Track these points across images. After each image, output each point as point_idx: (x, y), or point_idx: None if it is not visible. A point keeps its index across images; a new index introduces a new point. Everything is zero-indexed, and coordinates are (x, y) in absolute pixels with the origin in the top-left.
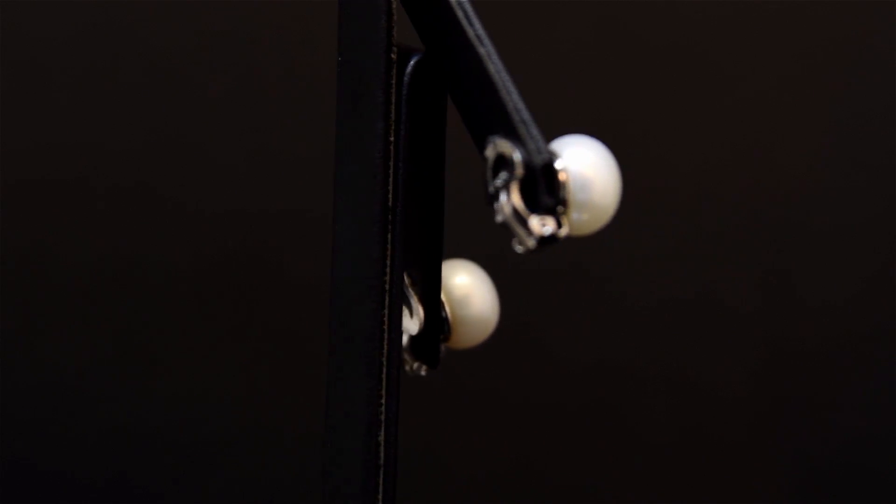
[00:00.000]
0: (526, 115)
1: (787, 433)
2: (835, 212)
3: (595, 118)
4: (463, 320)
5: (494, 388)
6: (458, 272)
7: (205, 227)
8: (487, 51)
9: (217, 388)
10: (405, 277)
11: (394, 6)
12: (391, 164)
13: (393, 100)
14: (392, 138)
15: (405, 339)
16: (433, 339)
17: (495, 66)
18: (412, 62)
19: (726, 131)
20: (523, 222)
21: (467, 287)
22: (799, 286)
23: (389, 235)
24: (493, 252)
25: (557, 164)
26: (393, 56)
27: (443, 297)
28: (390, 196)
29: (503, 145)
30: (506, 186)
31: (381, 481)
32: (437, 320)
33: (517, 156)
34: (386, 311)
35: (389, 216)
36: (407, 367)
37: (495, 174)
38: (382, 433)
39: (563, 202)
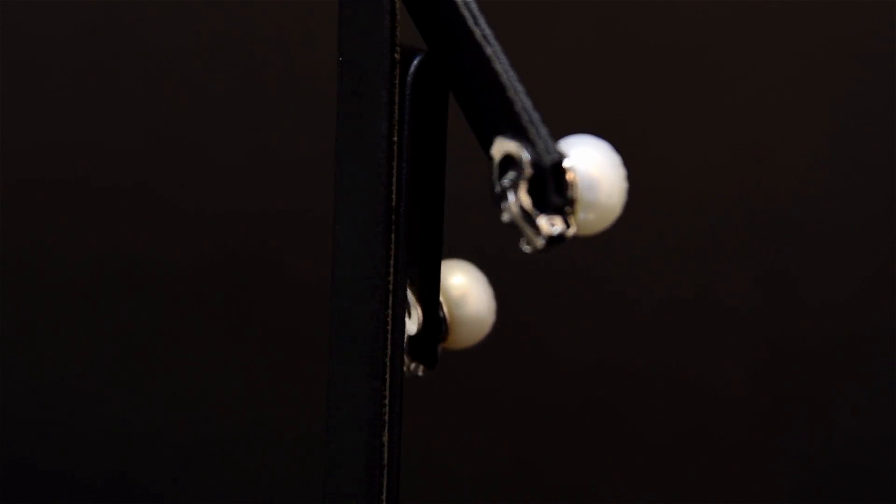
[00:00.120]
0: (535, 114)
1: (787, 433)
2: (835, 212)
3: (595, 118)
4: (460, 320)
5: (494, 388)
6: (454, 272)
7: (205, 227)
8: (495, 51)
9: (217, 388)
10: None
11: (397, 6)
12: (394, 164)
13: (396, 100)
14: (395, 138)
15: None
16: (431, 340)
17: (503, 66)
18: (415, 62)
19: (726, 131)
20: (531, 222)
21: (464, 287)
22: (799, 286)
23: (393, 236)
24: (493, 252)
25: (565, 164)
26: (396, 56)
27: (440, 297)
28: (394, 196)
29: (510, 145)
30: (513, 186)
31: (385, 482)
32: (435, 321)
33: (525, 155)
34: (389, 312)
35: (393, 216)
36: (404, 368)
37: (502, 174)
38: (386, 434)
39: (571, 202)
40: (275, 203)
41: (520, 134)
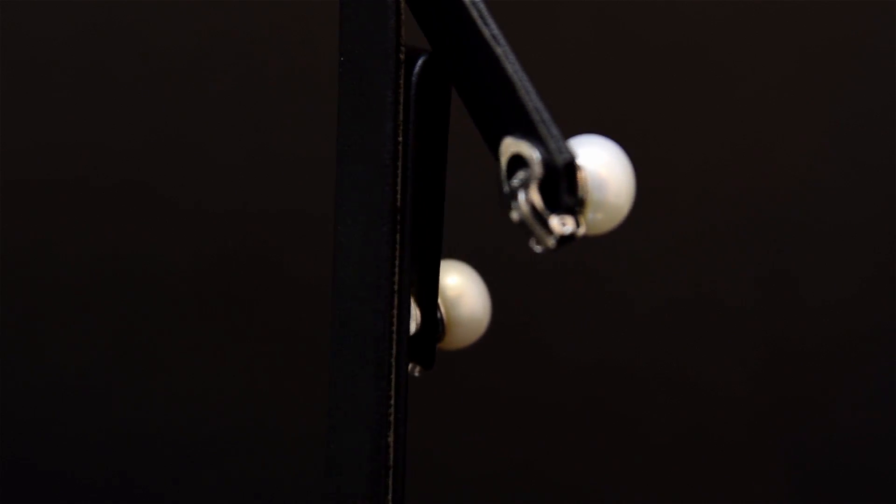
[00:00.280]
0: (546, 114)
1: (787, 433)
2: (835, 212)
3: (595, 118)
4: (456, 321)
5: (494, 388)
6: (449, 272)
7: (205, 227)
8: (504, 50)
9: (217, 388)
10: None
11: (402, 6)
12: (399, 164)
13: (401, 100)
14: (400, 139)
15: None
16: (429, 340)
17: (513, 65)
18: (420, 62)
19: (726, 131)
20: (542, 222)
21: (459, 287)
22: (799, 286)
23: (398, 236)
24: (493, 252)
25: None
26: (401, 56)
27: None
28: (398, 196)
29: (520, 145)
30: (524, 186)
31: (390, 483)
32: (433, 321)
33: (536, 155)
34: (395, 312)
35: (398, 216)
36: None
37: (510, 174)
38: (392, 434)
39: (581, 202)
40: (275, 203)
41: (530, 134)
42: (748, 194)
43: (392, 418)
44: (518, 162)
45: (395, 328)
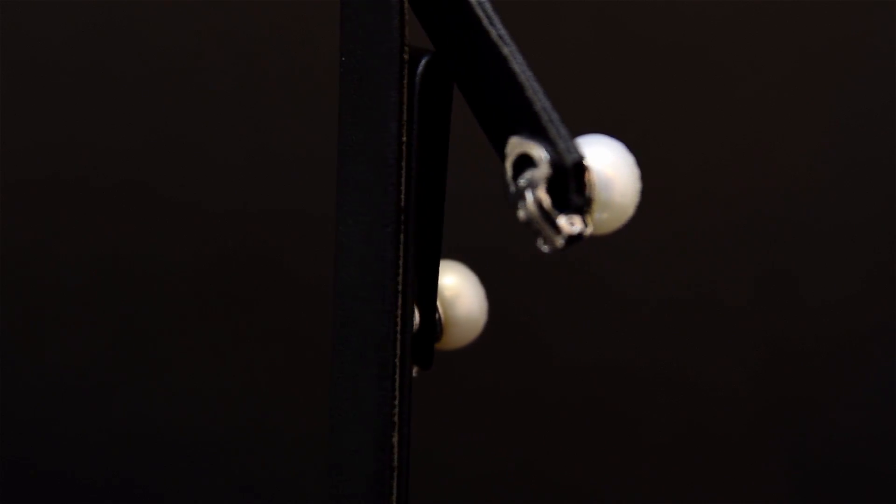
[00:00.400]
0: (554, 114)
1: (786, 433)
2: (835, 212)
3: (595, 118)
4: (453, 321)
5: (494, 388)
6: (445, 273)
7: (205, 227)
8: (511, 50)
9: (217, 388)
10: None
11: (405, 6)
12: (404, 164)
13: (405, 100)
14: (404, 139)
15: None
16: (428, 340)
17: (520, 65)
18: (423, 62)
19: (726, 131)
20: (550, 221)
21: (456, 287)
22: (799, 286)
23: (402, 236)
24: (493, 252)
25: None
26: (405, 56)
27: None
28: (402, 196)
29: (527, 145)
30: (531, 185)
31: (394, 483)
32: (431, 321)
33: (544, 155)
34: (399, 312)
35: (402, 217)
36: None
37: (517, 173)
38: (396, 434)
39: (589, 201)
40: (275, 203)
41: (538, 134)
42: (748, 194)
43: (396, 418)
44: (524, 162)
45: (398, 328)
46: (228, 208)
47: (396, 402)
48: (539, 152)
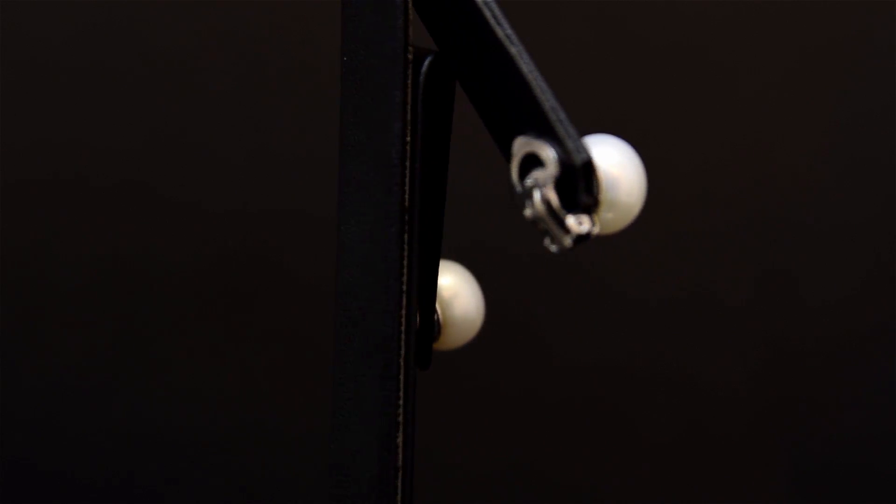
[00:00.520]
0: (562, 114)
1: (787, 433)
2: (835, 212)
3: (595, 118)
4: (450, 321)
5: (495, 388)
6: (442, 273)
7: (205, 227)
8: (518, 50)
9: (217, 388)
10: None
11: (409, 6)
12: (408, 164)
13: (409, 100)
14: (409, 138)
15: None
16: (426, 341)
17: (528, 65)
18: (427, 62)
19: (726, 131)
20: (559, 221)
21: (453, 288)
22: (799, 286)
23: (406, 236)
24: (493, 252)
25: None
26: (409, 56)
27: None
28: (407, 196)
29: (534, 144)
30: (538, 185)
31: (399, 484)
32: (430, 321)
33: (552, 154)
34: (403, 312)
35: (406, 217)
36: None
37: (523, 173)
38: (401, 435)
39: (596, 201)
40: (275, 203)
41: (546, 133)
42: (748, 194)
43: (401, 419)
44: (531, 161)
45: (403, 328)
46: (228, 208)
47: (401, 402)
48: (547, 152)
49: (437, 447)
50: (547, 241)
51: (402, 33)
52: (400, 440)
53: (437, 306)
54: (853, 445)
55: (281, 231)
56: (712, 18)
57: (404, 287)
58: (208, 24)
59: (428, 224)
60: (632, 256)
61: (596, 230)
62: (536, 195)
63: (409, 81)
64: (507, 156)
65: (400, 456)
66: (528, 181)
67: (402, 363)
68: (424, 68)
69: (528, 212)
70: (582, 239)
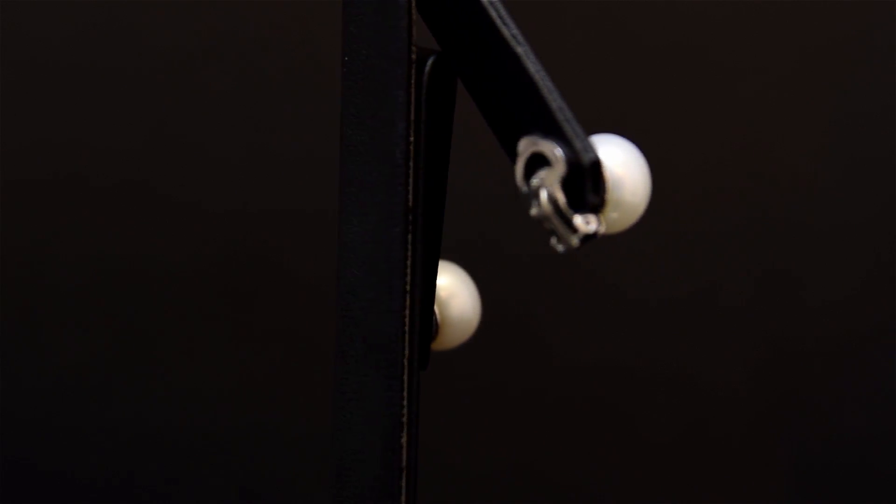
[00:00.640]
0: (569, 113)
1: (787, 432)
2: (835, 212)
3: (595, 118)
4: (447, 321)
5: (494, 388)
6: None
7: (205, 227)
8: (525, 50)
9: (217, 388)
10: None
11: (413, 6)
12: (412, 164)
13: (413, 100)
14: (412, 138)
15: None
16: (425, 341)
17: (534, 65)
18: (430, 62)
19: (726, 131)
20: (566, 220)
21: (449, 288)
22: (799, 286)
23: (410, 236)
24: (493, 252)
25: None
26: (413, 56)
27: None
28: (410, 196)
29: (540, 144)
30: (545, 185)
31: (403, 484)
32: (429, 322)
33: (559, 154)
34: (407, 313)
35: (410, 217)
36: None
37: (529, 172)
38: (405, 435)
39: (603, 200)
40: (275, 203)
41: (553, 133)
42: (748, 194)
43: (405, 419)
44: (536, 161)
45: (406, 328)
46: (228, 208)
47: (405, 402)
48: (555, 151)
49: (437, 447)
50: (553, 241)
51: (406, 33)
52: (404, 440)
53: (435, 306)
54: (853, 445)
55: (281, 231)
56: (712, 18)
57: (408, 287)
58: (208, 24)
59: (429, 224)
60: (632, 256)
61: (602, 229)
62: (543, 195)
63: (413, 81)
64: (512, 155)
65: (404, 456)
66: (535, 181)
67: (405, 363)
68: (427, 68)
69: (534, 211)
70: (588, 238)
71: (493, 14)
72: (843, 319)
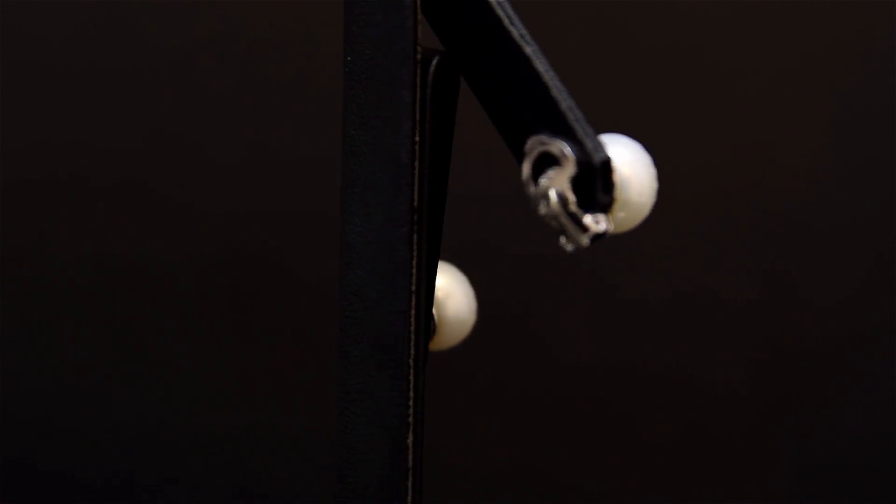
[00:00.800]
0: (579, 113)
1: (787, 432)
2: (835, 211)
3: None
4: (444, 321)
5: (494, 388)
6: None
7: (205, 227)
8: (534, 50)
9: (217, 388)
10: None
11: (418, 6)
12: (417, 164)
13: (418, 100)
14: (417, 138)
15: None
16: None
17: (543, 65)
18: (434, 62)
19: (727, 131)
20: (575, 220)
21: (446, 288)
22: (799, 285)
23: (416, 236)
24: (493, 252)
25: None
26: (418, 56)
27: None
28: (416, 196)
29: (549, 144)
30: (554, 185)
31: (409, 484)
32: (429, 322)
33: (569, 153)
34: (413, 313)
35: (415, 217)
36: None
37: (537, 172)
38: (411, 436)
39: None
40: (275, 203)
41: (562, 133)
42: (748, 194)
43: (411, 419)
44: (544, 160)
45: (412, 329)
46: (228, 208)
47: (411, 402)
48: (565, 151)
49: (437, 447)
50: (563, 240)
51: (412, 34)
52: (410, 441)
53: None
54: (853, 445)
55: (281, 231)
56: (712, 18)
57: (413, 287)
58: (208, 24)
59: (430, 224)
60: (632, 256)
61: (611, 228)
62: (552, 194)
63: (418, 81)
64: (518, 155)
65: (410, 457)
66: (543, 180)
67: (411, 363)
68: (432, 68)
69: (542, 210)
70: (597, 238)
71: (502, 14)
72: (843, 319)
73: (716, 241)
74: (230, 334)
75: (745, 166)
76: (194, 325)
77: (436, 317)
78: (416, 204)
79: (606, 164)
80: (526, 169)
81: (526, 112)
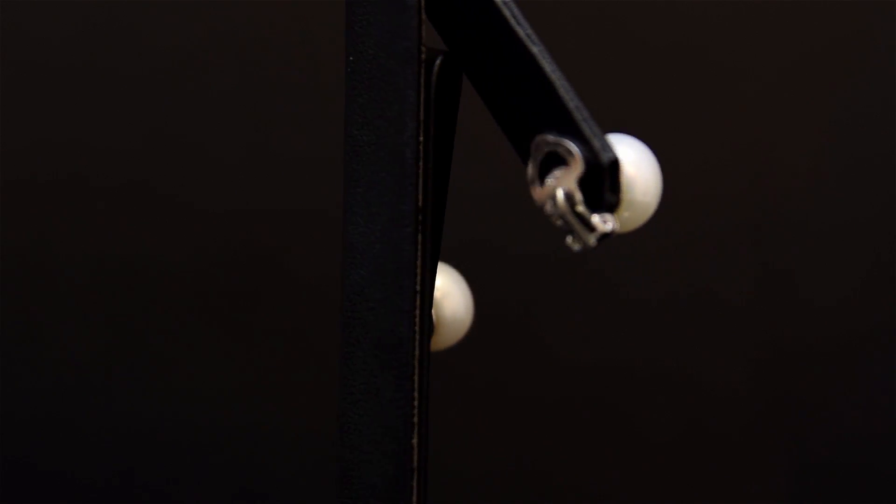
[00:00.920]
0: (587, 112)
1: (786, 432)
2: (835, 211)
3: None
4: (441, 321)
5: (494, 388)
6: None
7: (205, 227)
8: (540, 49)
9: (217, 388)
10: None
11: (422, 6)
12: (421, 164)
13: (422, 100)
14: (421, 138)
15: None
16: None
17: (550, 65)
18: (438, 62)
19: (727, 131)
20: (583, 220)
21: (443, 288)
22: (799, 285)
23: (420, 236)
24: (493, 252)
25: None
26: (422, 56)
27: None
28: (420, 196)
29: (556, 143)
30: (561, 184)
31: (414, 485)
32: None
33: (577, 153)
34: (417, 313)
35: (420, 216)
36: None
37: (543, 171)
38: (416, 436)
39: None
40: (275, 203)
41: (569, 132)
42: (748, 194)
43: (416, 419)
44: (551, 160)
45: (417, 329)
46: (228, 208)
47: (416, 402)
48: (573, 151)
49: (437, 447)
50: (569, 240)
51: (416, 33)
52: (415, 441)
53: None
54: (853, 445)
55: (281, 231)
56: (712, 18)
57: (417, 287)
58: (208, 24)
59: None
60: (632, 256)
61: (618, 228)
62: (560, 193)
63: (423, 81)
64: (523, 154)
65: (415, 457)
66: (550, 179)
67: (415, 363)
68: (436, 68)
69: (549, 210)
70: (604, 237)
71: (508, 14)
72: (843, 319)
73: (715, 240)
74: (230, 334)
75: (745, 166)
76: (194, 325)
77: (434, 317)
78: (420, 204)
79: (614, 164)
80: (532, 168)
81: (531, 111)
